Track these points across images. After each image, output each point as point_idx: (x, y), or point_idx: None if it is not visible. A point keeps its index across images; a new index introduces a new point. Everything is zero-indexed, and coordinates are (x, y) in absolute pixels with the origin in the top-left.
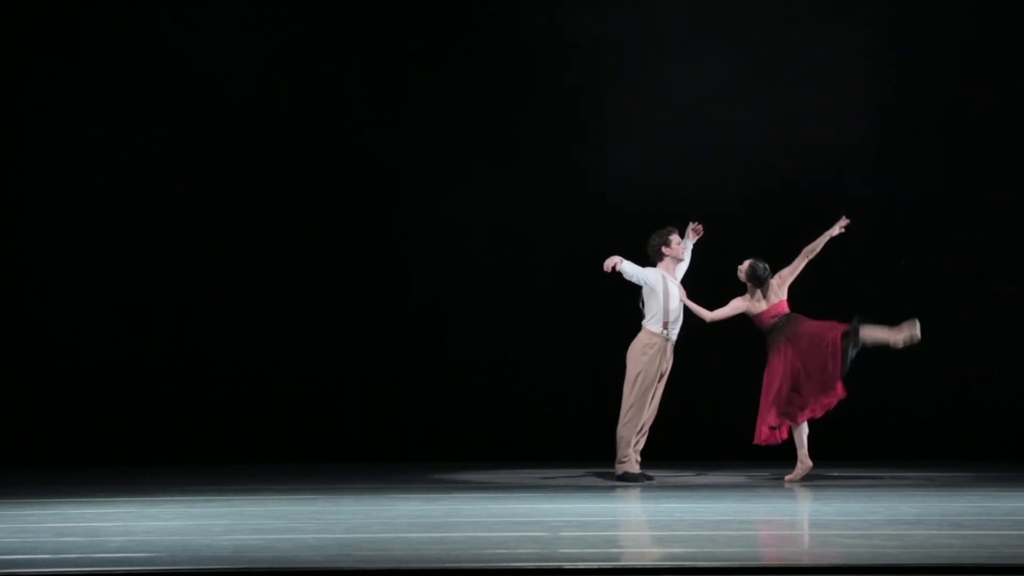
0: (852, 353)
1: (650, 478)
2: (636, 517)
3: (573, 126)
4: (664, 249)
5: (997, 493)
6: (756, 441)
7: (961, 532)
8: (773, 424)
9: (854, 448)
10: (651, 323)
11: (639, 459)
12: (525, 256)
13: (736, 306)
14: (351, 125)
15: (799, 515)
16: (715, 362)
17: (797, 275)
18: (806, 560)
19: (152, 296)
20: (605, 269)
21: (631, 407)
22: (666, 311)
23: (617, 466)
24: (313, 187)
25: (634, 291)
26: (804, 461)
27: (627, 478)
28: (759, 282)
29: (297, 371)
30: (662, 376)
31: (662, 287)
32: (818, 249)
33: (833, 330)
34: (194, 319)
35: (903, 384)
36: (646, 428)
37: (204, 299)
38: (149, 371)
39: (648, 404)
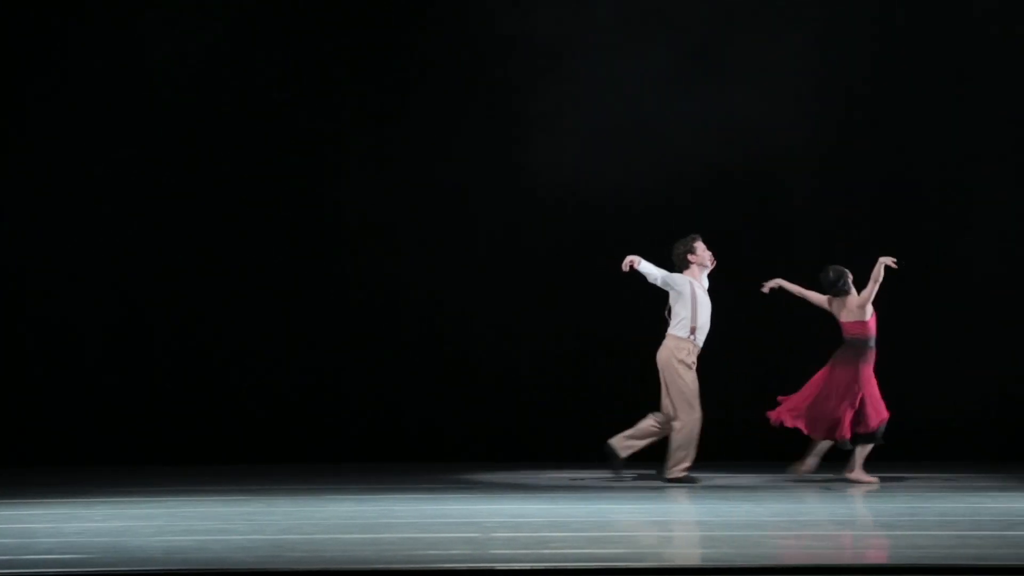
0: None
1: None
2: (571, 518)
3: (508, 121)
4: (690, 256)
5: (928, 494)
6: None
7: (892, 532)
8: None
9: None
10: (677, 328)
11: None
12: (461, 252)
13: (819, 299)
14: (293, 130)
15: (725, 517)
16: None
17: (859, 300)
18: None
19: (146, 296)
20: (623, 268)
21: (684, 415)
22: (694, 316)
23: (673, 469)
24: (291, 190)
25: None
26: (807, 462)
27: (684, 480)
28: (825, 288)
29: (247, 371)
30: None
31: (690, 292)
32: (880, 276)
33: (873, 409)
34: (179, 321)
35: None
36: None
37: (203, 301)
38: (94, 372)
39: (698, 406)
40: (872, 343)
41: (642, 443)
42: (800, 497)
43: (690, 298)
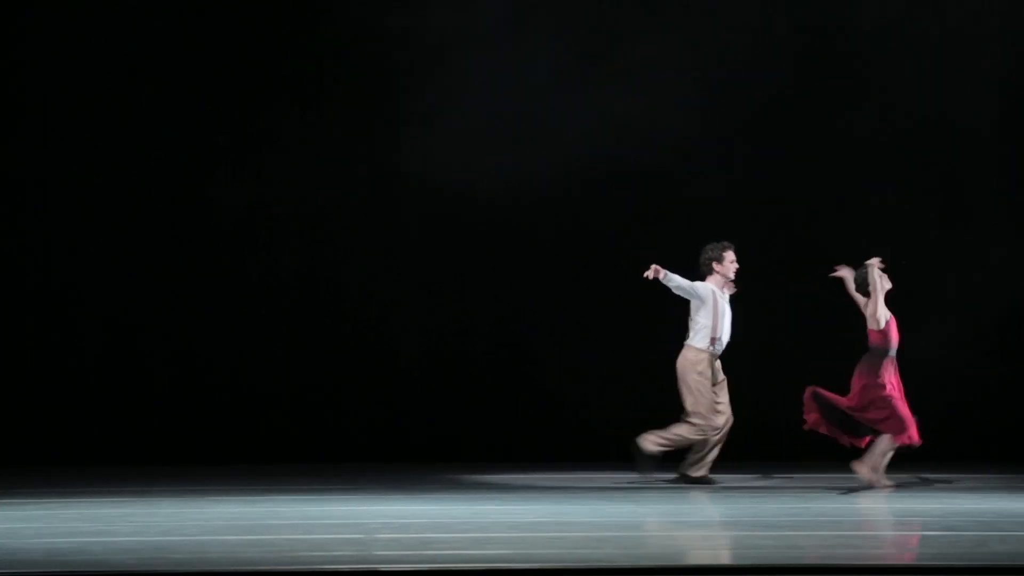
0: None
1: (713, 481)
2: (455, 519)
3: (395, 117)
4: (715, 265)
5: (810, 495)
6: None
7: (774, 532)
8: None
9: None
10: (697, 339)
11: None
12: (345, 249)
13: (860, 301)
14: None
15: (607, 517)
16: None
17: (869, 309)
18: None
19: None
20: (646, 277)
21: (699, 420)
22: (715, 327)
23: (690, 469)
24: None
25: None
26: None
27: (699, 481)
28: (858, 287)
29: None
30: (716, 386)
31: (712, 300)
32: (876, 283)
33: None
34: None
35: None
36: (725, 433)
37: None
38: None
39: (715, 413)
40: (890, 352)
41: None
42: (685, 498)
43: (712, 307)
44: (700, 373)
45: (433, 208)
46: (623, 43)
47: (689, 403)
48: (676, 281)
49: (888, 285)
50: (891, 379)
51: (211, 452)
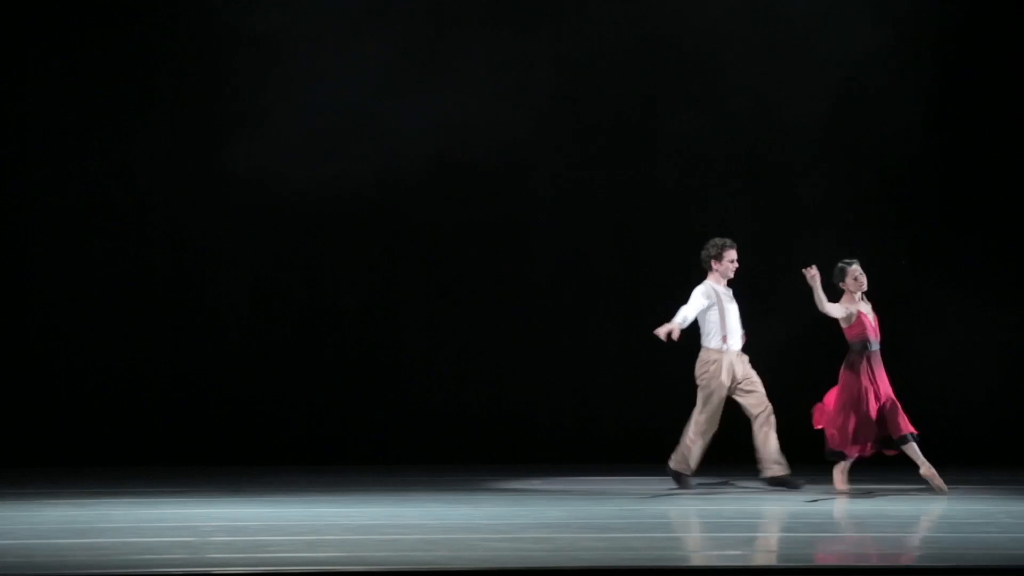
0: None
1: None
2: (289, 522)
3: (220, 118)
4: (714, 263)
5: (644, 497)
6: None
7: (607, 535)
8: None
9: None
10: (709, 340)
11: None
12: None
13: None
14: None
15: (442, 520)
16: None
17: (825, 308)
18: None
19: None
20: (669, 340)
21: (703, 421)
22: (723, 325)
23: (677, 465)
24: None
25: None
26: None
27: (680, 481)
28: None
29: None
30: (744, 381)
31: (716, 298)
32: (815, 288)
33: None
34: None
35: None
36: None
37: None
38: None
39: (718, 416)
40: (869, 347)
41: (698, 451)
42: (520, 501)
43: (717, 307)
44: (710, 373)
45: (261, 207)
46: (455, 43)
47: (700, 399)
48: (687, 317)
49: (858, 286)
50: (869, 376)
51: (41, 455)
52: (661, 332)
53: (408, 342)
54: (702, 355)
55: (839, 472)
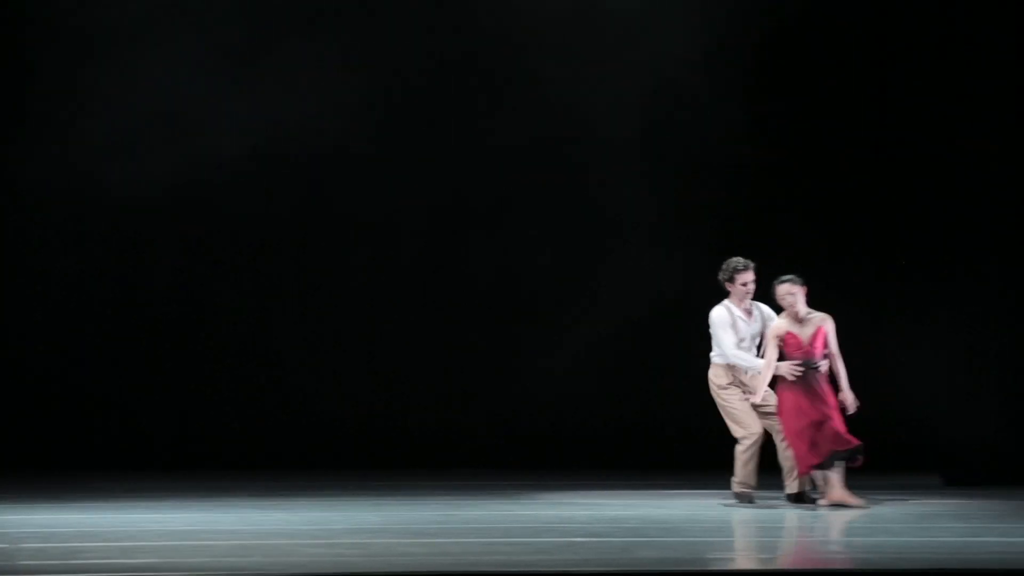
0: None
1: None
2: (102, 528)
3: (29, 119)
4: (728, 286)
5: (460, 502)
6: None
7: (423, 540)
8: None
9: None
10: (718, 356)
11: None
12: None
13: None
14: None
15: (258, 526)
16: None
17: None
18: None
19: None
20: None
21: (739, 433)
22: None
23: (734, 484)
24: None
25: None
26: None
27: (741, 497)
28: None
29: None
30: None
31: (730, 321)
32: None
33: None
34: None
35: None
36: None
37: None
38: None
39: (755, 420)
40: (812, 364)
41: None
42: (334, 506)
43: (731, 328)
44: (722, 387)
45: (71, 209)
46: (276, 42)
47: (724, 417)
48: (757, 364)
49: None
50: (818, 393)
51: None
52: (756, 400)
53: (217, 340)
54: (710, 371)
55: (837, 487)
